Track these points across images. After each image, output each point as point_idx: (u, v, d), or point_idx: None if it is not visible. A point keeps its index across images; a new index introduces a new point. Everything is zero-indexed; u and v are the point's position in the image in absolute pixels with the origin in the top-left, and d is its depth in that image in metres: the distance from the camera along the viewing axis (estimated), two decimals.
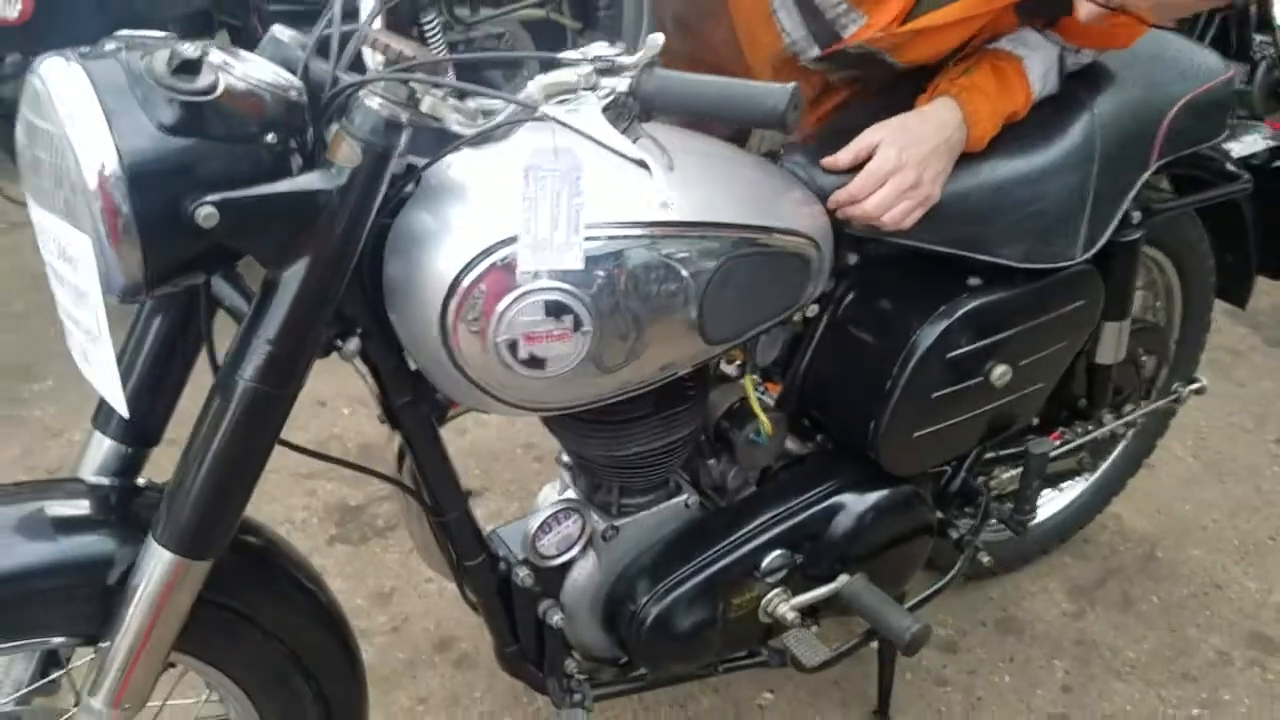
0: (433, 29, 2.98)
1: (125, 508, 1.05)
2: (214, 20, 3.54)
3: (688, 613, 1.33)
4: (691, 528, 1.38)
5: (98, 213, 0.80)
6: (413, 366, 1.11)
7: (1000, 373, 1.38)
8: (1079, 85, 1.39)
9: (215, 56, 0.85)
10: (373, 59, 0.97)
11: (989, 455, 1.61)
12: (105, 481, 1.07)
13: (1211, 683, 1.82)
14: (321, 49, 0.94)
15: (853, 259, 1.35)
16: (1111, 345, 1.61)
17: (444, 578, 1.34)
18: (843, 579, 1.39)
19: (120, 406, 0.92)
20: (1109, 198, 1.40)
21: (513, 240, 0.95)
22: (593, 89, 0.89)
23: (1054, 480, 1.85)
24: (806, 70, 1.37)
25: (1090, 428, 1.72)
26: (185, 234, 0.83)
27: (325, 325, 0.96)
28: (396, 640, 1.88)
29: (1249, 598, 2.01)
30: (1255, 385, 2.72)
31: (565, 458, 1.38)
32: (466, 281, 0.98)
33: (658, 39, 0.90)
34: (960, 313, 1.32)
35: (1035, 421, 1.67)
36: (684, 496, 1.37)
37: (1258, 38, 3.82)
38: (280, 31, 0.98)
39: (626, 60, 0.90)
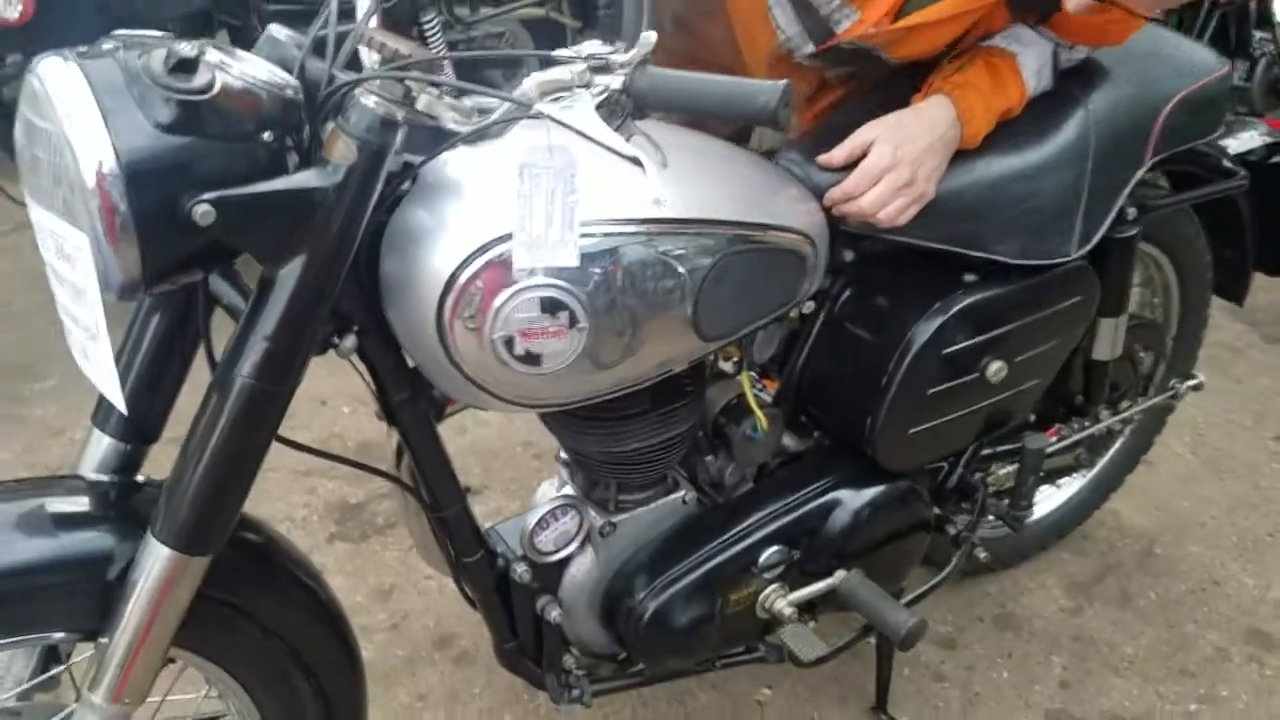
0: (432, 28, 2.99)
1: (125, 504, 1.05)
2: (214, 20, 3.55)
3: (685, 608, 1.33)
4: (689, 524, 1.39)
5: (95, 211, 0.81)
6: (410, 363, 1.12)
7: (996, 369, 1.38)
8: (1073, 82, 1.39)
9: (212, 55, 0.86)
10: (369, 58, 0.98)
11: (986, 451, 1.62)
12: (105, 478, 1.08)
13: (1209, 678, 1.82)
14: (318, 48, 0.95)
15: (849, 256, 1.36)
16: (1108, 341, 1.62)
17: (443, 575, 1.34)
18: (840, 574, 1.40)
19: (119, 403, 0.93)
20: (1104, 194, 1.40)
21: (508, 237, 0.96)
22: (587, 87, 0.89)
23: (1051, 476, 1.85)
24: (802, 68, 1.38)
25: (1087, 424, 1.72)
26: (182, 232, 0.84)
27: (322, 322, 0.97)
28: (396, 637, 1.88)
29: (1247, 594, 2.01)
30: (1253, 382, 2.72)
31: (563, 454, 1.38)
32: (463, 278, 0.98)
33: (650, 37, 0.90)
34: (955, 309, 1.33)
35: (1032, 418, 1.68)
36: (681, 493, 1.38)
37: (1257, 34, 3.83)
38: (277, 30, 0.99)
39: (620, 58, 0.91)
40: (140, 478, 1.10)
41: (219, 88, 0.84)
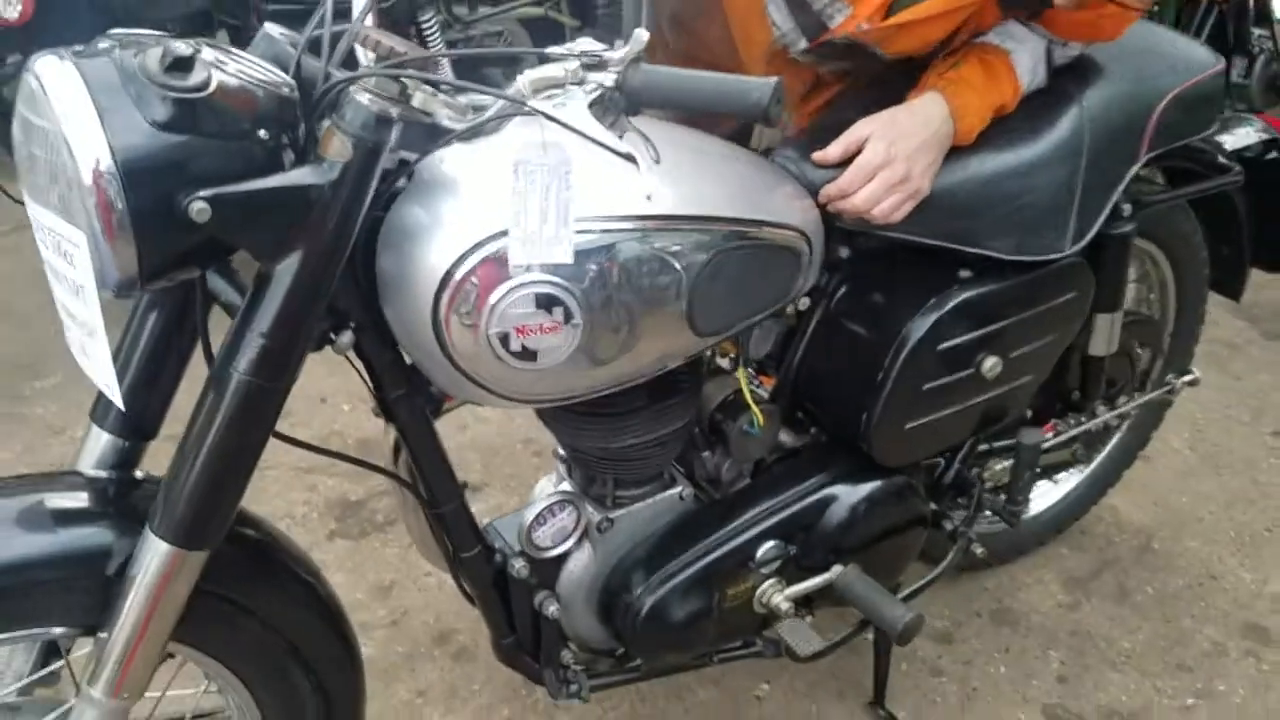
0: (431, 28, 3.00)
1: (123, 500, 1.06)
2: (214, 20, 3.56)
3: (683, 604, 1.34)
4: (686, 519, 1.39)
5: (92, 208, 0.81)
6: (407, 360, 1.12)
7: (991, 364, 1.39)
8: (1068, 79, 1.40)
9: (207, 54, 0.87)
10: (364, 56, 0.98)
11: (982, 447, 1.63)
12: (103, 474, 1.08)
13: (1206, 673, 1.83)
14: (314, 47, 0.95)
15: (844, 252, 1.36)
16: (1104, 337, 1.62)
17: (441, 570, 1.35)
18: (836, 569, 1.40)
19: (117, 399, 0.93)
20: (1098, 190, 1.41)
21: (504, 234, 0.96)
22: (580, 84, 0.90)
23: (1048, 472, 1.86)
24: (798, 65, 1.38)
25: (1083, 420, 1.73)
26: (179, 229, 0.84)
27: (318, 319, 0.97)
28: (396, 633, 1.89)
29: (1244, 589, 2.01)
30: (1252, 378, 2.72)
31: (561, 450, 1.39)
32: (458, 274, 0.99)
33: (642, 34, 0.91)
34: (951, 305, 1.33)
35: (1029, 414, 1.68)
36: (678, 489, 1.38)
37: (1256, 31, 3.84)
38: (272, 29, 0.99)
39: (613, 55, 0.91)
40: (139, 473, 1.10)
41: (215, 86, 0.85)
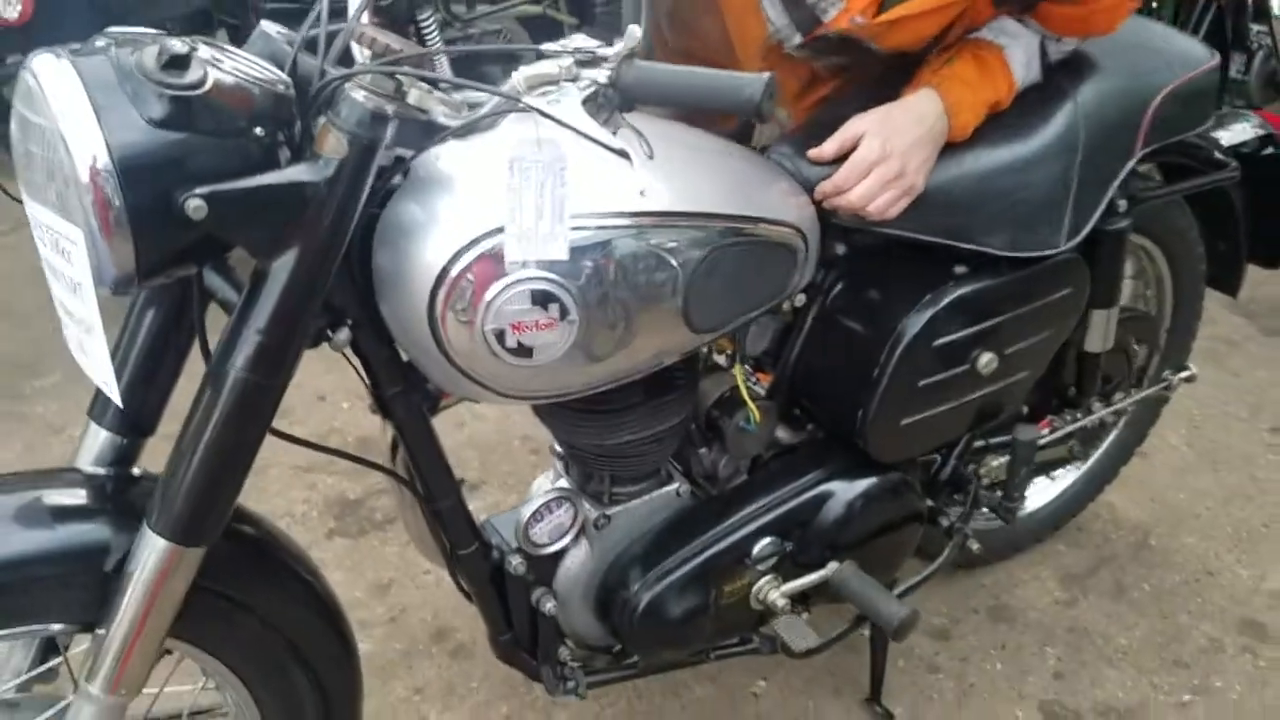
0: (429, 26, 3.00)
1: (121, 496, 1.06)
2: (214, 19, 3.57)
3: (679, 600, 1.34)
4: (683, 516, 1.39)
5: (89, 206, 0.82)
6: (404, 357, 1.13)
7: (986, 361, 1.39)
8: (1062, 75, 1.40)
9: (204, 52, 0.87)
10: (360, 54, 0.99)
11: (978, 443, 1.63)
12: (101, 471, 1.09)
13: (1203, 669, 1.83)
14: (310, 45, 0.96)
15: (840, 249, 1.36)
16: (1100, 333, 1.62)
17: (439, 567, 1.35)
18: (832, 566, 1.41)
19: (115, 397, 0.94)
20: (1093, 186, 1.41)
21: (500, 230, 0.97)
22: (574, 80, 0.90)
23: (1044, 468, 1.87)
24: (794, 62, 1.39)
25: (1079, 416, 1.73)
26: (175, 226, 0.85)
27: (314, 315, 0.97)
28: (394, 631, 1.90)
29: (1241, 585, 2.02)
30: (1250, 375, 2.73)
31: (558, 448, 1.39)
32: (454, 271, 0.99)
33: (635, 31, 0.91)
34: (946, 301, 1.34)
35: (1025, 410, 1.68)
36: (675, 485, 1.39)
37: (1254, 28, 3.85)
38: (268, 27, 1.00)
39: (607, 52, 0.91)
40: (136, 470, 1.11)
41: (211, 84, 0.85)
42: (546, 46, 0.94)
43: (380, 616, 1.93)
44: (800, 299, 1.36)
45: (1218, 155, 1.66)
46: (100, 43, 0.87)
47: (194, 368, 1.05)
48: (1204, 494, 2.27)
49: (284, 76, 0.92)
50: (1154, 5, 3.85)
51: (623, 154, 0.89)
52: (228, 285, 1.03)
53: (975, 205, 1.33)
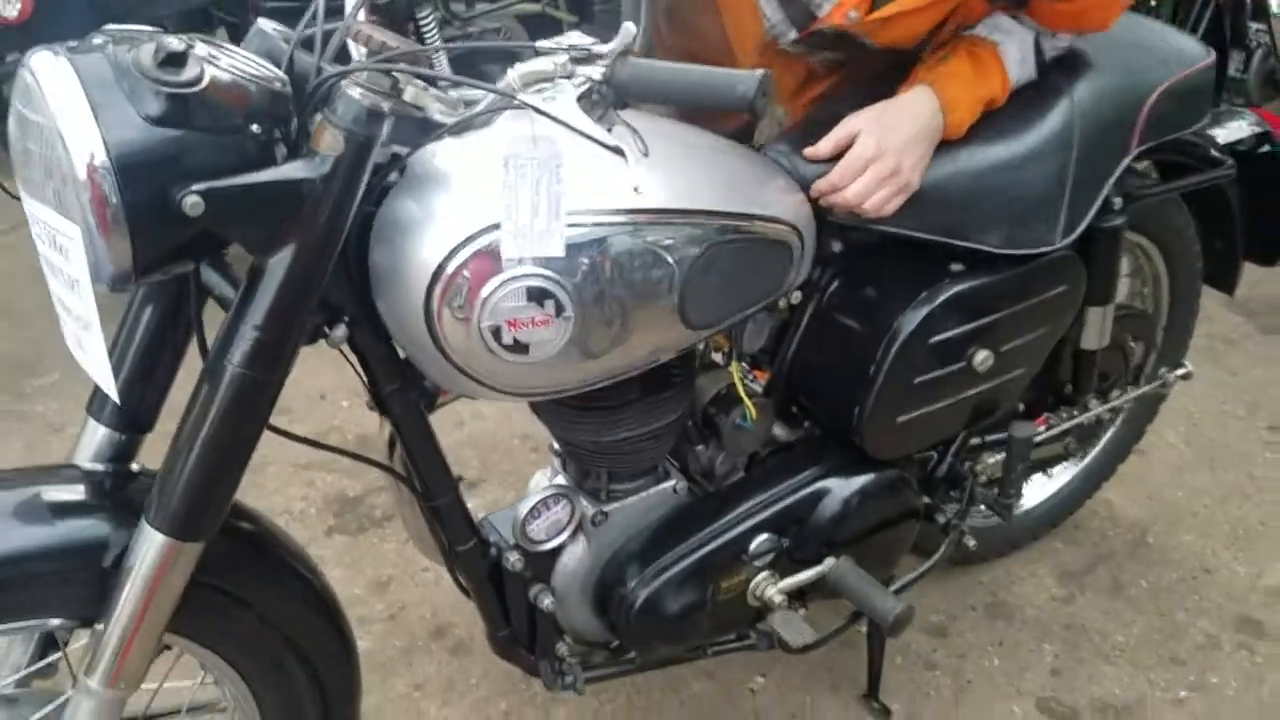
0: (428, 24, 3.00)
1: (119, 492, 1.07)
2: (212, 17, 3.57)
3: (677, 596, 1.35)
4: (680, 512, 1.40)
5: (86, 203, 0.82)
6: (401, 354, 1.13)
7: (982, 358, 1.39)
8: (1058, 72, 1.41)
9: (200, 49, 0.88)
10: (357, 52, 0.99)
11: (975, 441, 1.63)
12: (100, 467, 1.09)
13: (1200, 666, 1.83)
14: (307, 43, 0.96)
15: (836, 247, 1.37)
16: (1096, 330, 1.63)
17: (438, 564, 1.36)
18: (829, 562, 1.41)
19: (112, 393, 0.94)
20: (1088, 184, 1.42)
21: (496, 227, 0.97)
22: (569, 77, 0.91)
23: (1041, 465, 1.87)
24: (790, 59, 1.39)
25: (1076, 413, 1.73)
26: (172, 222, 0.85)
27: (311, 312, 0.98)
28: (393, 628, 1.90)
29: (1238, 582, 2.02)
30: (1248, 373, 2.73)
31: (556, 444, 1.40)
32: (450, 268, 1.00)
33: (630, 28, 0.92)
34: (942, 298, 1.34)
35: (1021, 407, 1.69)
36: (672, 482, 1.39)
37: (1253, 26, 3.85)
38: (265, 25, 1.00)
39: (602, 49, 0.92)
40: (134, 466, 1.11)
41: (207, 81, 0.86)
42: (542, 44, 0.94)
43: (379, 613, 1.93)
44: (796, 296, 1.37)
45: (1214, 153, 1.67)
46: (98, 40, 0.88)
47: (192, 364, 1.06)
48: (1201, 491, 2.27)
49: (280, 74, 0.93)
50: (1153, 3, 3.85)
51: (618, 151, 0.90)
52: (225, 282, 1.03)
53: (971, 202, 1.34)
